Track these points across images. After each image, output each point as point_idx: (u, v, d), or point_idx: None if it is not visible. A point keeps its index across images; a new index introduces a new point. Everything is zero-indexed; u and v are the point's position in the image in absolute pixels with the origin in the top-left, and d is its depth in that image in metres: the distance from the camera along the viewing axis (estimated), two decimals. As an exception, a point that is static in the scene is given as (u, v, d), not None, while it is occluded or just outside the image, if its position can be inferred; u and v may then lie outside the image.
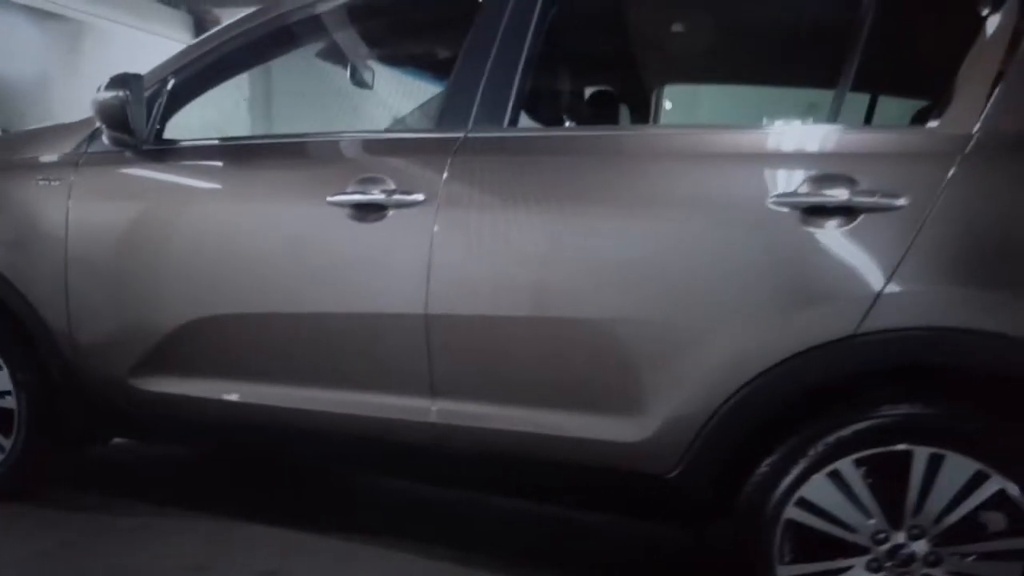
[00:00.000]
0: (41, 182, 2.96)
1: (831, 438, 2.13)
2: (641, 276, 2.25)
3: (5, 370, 3.00)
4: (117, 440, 3.35)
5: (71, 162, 2.94)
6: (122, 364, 2.86)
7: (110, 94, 2.65)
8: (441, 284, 2.42)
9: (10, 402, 3.00)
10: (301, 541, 2.89)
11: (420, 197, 2.44)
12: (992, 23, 2.13)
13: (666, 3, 2.88)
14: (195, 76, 2.88)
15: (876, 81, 2.40)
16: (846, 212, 2.09)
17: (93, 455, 3.54)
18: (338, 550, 2.82)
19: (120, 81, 2.67)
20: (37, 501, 3.10)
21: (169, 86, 2.83)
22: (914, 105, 2.72)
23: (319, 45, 3.22)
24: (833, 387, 2.12)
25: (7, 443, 3.04)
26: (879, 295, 2.04)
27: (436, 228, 2.42)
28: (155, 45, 9.02)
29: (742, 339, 2.16)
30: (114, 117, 2.67)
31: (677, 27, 2.92)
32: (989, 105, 2.05)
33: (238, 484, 3.56)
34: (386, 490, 3.50)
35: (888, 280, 2.04)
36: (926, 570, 2.10)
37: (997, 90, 2.06)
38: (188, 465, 3.77)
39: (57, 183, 2.93)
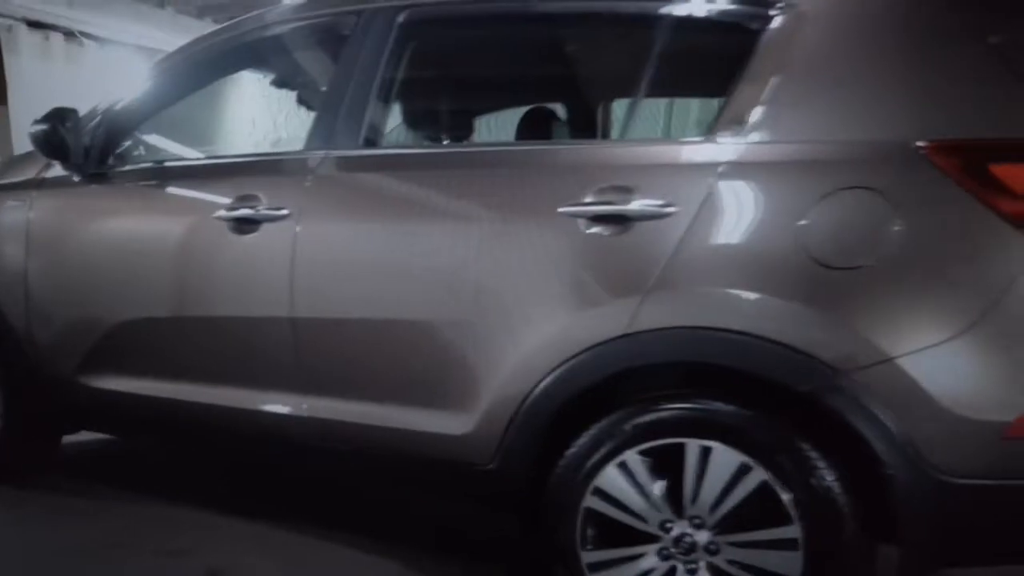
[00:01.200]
0: (10, 202, 3.39)
1: (617, 432, 2.27)
2: (454, 281, 2.46)
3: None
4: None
5: (33, 185, 3.36)
6: (70, 363, 3.24)
7: (40, 127, 3.03)
8: (302, 290, 2.69)
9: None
10: (226, 525, 3.18)
11: (286, 212, 2.71)
12: (758, 42, 2.24)
13: (481, 42, 3.09)
14: (132, 106, 3.24)
15: (665, 95, 2.52)
16: (623, 220, 2.24)
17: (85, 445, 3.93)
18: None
19: (54, 115, 3.05)
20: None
21: (105, 116, 3.20)
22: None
23: (228, 74, 3.56)
24: (618, 384, 2.27)
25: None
26: (645, 297, 2.19)
27: (297, 239, 2.69)
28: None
29: (538, 337, 2.34)
30: (49, 146, 3.06)
31: (492, 59, 3.15)
32: (751, 120, 2.17)
33: (203, 474, 3.89)
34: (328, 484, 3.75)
35: (654, 283, 2.18)
36: (709, 558, 2.22)
37: (758, 105, 2.18)
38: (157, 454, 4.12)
39: (20, 203, 3.35)
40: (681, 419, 2.20)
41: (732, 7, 2.33)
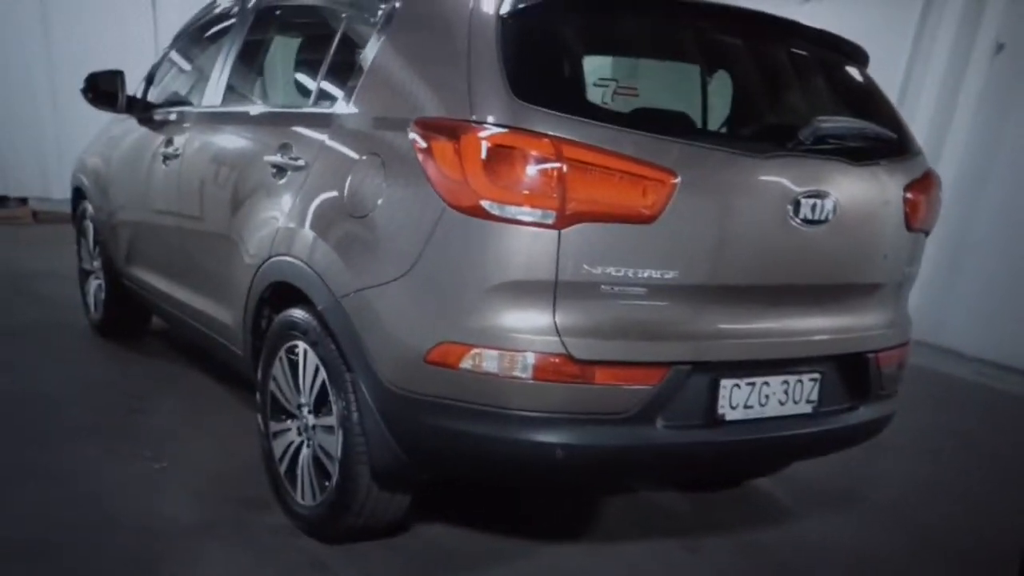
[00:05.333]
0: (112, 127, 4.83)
1: (273, 332, 2.99)
2: (222, 205, 3.33)
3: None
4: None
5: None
6: (120, 255, 4.59)
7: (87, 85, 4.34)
8: (176, 203, 3.78)
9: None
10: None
11: (179, 150, 3.77)
12: (365, 28, 2.82)
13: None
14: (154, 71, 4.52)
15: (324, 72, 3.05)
16: (283, 169, 2.96)
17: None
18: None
19: (97, 76, 4.34)
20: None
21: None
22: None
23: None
24: (278, 294, 2.97)
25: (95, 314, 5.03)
26: (278, 231, 2.90)
27: (179, 169, 3.74)
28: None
29: (253, 250, 3.10)
30: (97, 98, 4.34)
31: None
32: (351, 92, 2.77)
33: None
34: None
35: (283, 220, 2.89)
36: (309, 438, 2.87)
37: (356, 81, 2.76)
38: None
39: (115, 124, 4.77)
40: (285, 322, 2.86)
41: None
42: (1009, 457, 4.42)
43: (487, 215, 2.23)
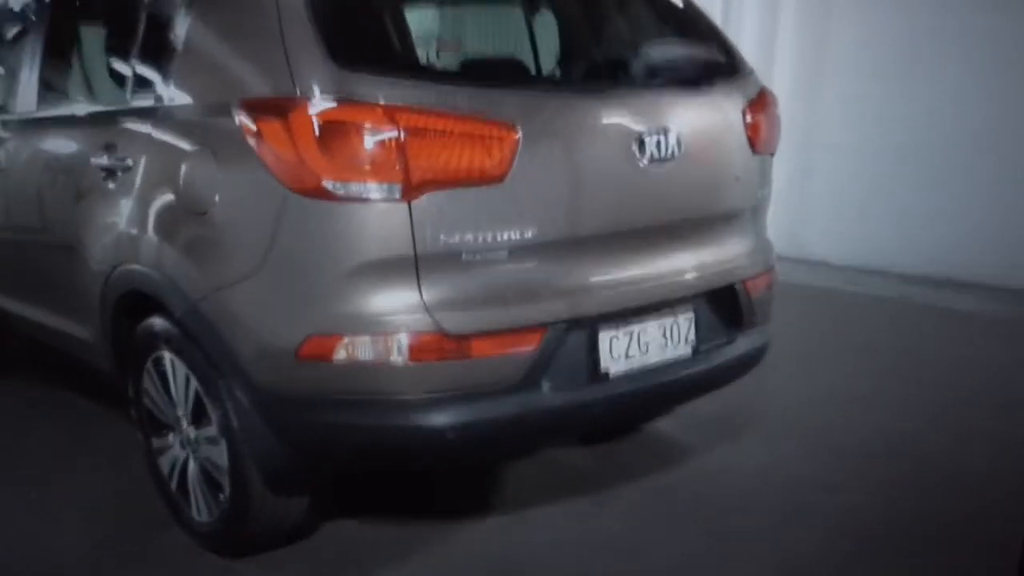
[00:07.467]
0: None
1: (137, 343, 2.79)
2: (55, 214, 3.09)
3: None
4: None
5: None
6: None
7: None
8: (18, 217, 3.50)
9: None
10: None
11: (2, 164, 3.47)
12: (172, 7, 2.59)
13: None
14: None
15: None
16: (111, 171, 2.72)
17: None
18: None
19: None
20: None
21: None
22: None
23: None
24: (133, 303, 2.75)
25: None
26: (119, 238, 2.70)
27: (7, 183, 3.46)
28: None
29: (97, 262, 2.87)
30: None
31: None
32: (167, 79, 2.55)
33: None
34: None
35: (123, 226, 2.67)
36: (193, 451, 2.70)
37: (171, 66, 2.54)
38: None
39: None
40: (146, 332, 2.68)
41: None
42: (892, 358, 4.51)
43: (331, 195, 2.09)
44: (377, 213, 2.09)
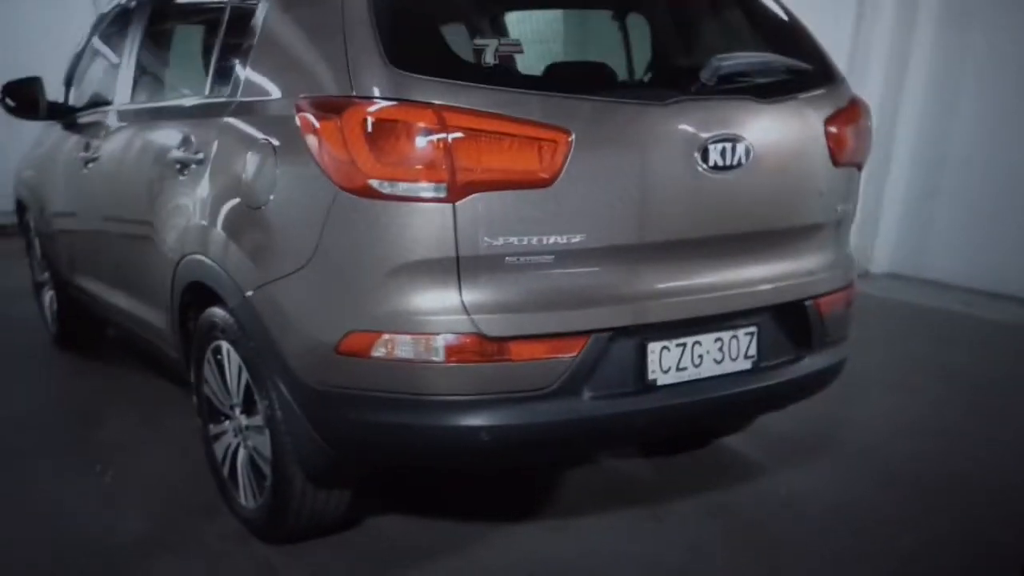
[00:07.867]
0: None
1: (199, 332, 2.87)
2: (138, 203, 3.19)
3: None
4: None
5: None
6: (63, 265, 4.45)
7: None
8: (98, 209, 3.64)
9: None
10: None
11: (97, 153, 3.62)
12: (250, 10, 2.65)
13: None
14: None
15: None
16: (185, 164, 2.82)
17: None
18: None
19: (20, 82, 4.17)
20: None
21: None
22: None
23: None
24: (199, 293, 2.83)
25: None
26: (187, 229, 2.78)
27: (100, 172, 3.60)
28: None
29: (169, 251, 2.96)
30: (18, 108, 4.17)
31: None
32: (240, 77, 2.62)
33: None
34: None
35: (190, 218, 2.75)
36: (244, 439, 2.76)
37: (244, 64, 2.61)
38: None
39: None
40: (207, 322, 2.74)
41: None
42: (987, 388, 4.24)
43: (378, 194, 2.10)
44: (421, 213, 2.09)
